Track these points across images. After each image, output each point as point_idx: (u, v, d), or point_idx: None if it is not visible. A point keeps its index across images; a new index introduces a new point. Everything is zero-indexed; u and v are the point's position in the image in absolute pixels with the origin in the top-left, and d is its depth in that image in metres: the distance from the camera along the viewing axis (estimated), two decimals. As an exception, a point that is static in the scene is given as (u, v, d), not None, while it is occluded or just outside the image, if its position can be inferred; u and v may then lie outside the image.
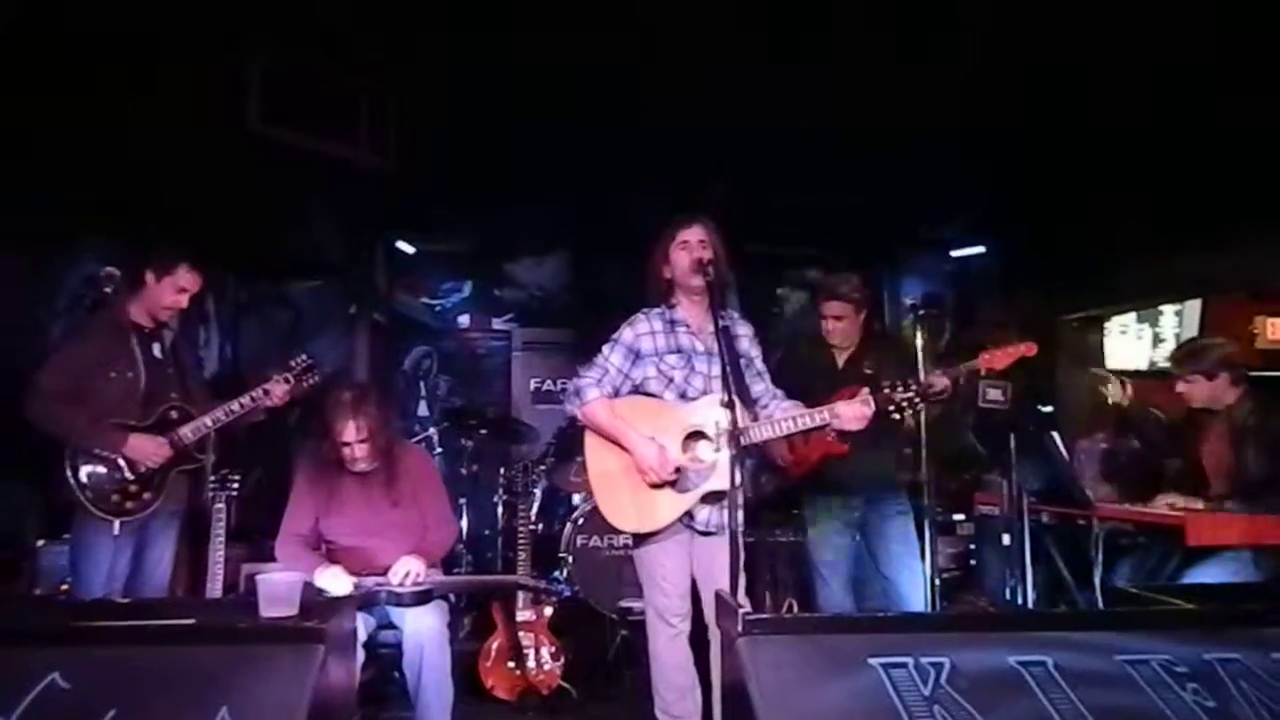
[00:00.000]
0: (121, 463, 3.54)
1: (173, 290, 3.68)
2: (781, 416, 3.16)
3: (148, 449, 3.56)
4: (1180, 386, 3.99)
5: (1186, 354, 4.07)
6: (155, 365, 3.71)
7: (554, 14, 3.78)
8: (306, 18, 3.85)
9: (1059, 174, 5.10)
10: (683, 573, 3.17)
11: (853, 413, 3.07)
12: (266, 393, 3.73)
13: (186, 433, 3.66)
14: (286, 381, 3.76)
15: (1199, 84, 4.00)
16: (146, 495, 3.59)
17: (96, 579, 3.49)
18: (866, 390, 3.19)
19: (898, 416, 3.16)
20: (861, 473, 3.89)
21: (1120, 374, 6.76)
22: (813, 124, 4.57)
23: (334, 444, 3.48)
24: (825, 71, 4.13)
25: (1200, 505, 3.74)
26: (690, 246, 3.19)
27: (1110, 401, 4.77)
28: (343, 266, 6.64)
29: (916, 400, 3.10)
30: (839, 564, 4.04)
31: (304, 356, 3.87)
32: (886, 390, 3.09)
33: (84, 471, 3.51)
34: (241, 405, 3.71)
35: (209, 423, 3.69)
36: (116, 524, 3.52)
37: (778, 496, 4.39)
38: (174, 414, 3.69)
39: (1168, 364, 4.18)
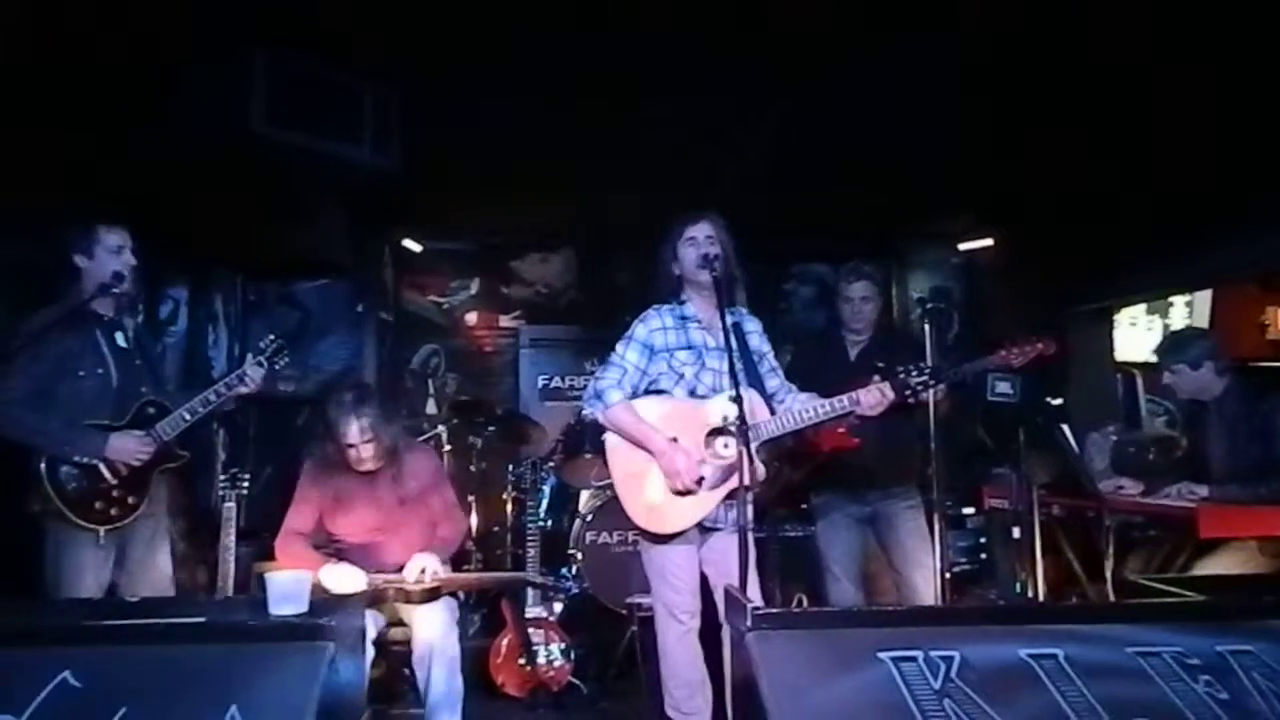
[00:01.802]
0: (102, 467, 3.29)
1: (108, 254, 3.41)
2: (800, 408, 3.15)
3: (130, 447, 3.31)
4: (1166, 378, 4.01)
5: (1170, 345, 4.08)
6: (123, 357, 3.48)
7: (558, 11, 3.77)
8: (310, 17, 3.84)
9: (1067, 165, 5.07)
10: (692, 569, 3.17)
11: (873, 399, 3.07)
12: (241, 378, 3.50)
13: (165, 428, 3.41)
14: (260, 365, 3.55)
15: (1208, 74, 3.97)
16: (130, 499, 3.36)
17: (81, 594, 3.23)
18: (878, 378, 3.19)
19: (913, 401, 3.16)
20: (872, 467, 3.88)
21: (1130, 366, 6.77)
22: (818, 117, 4.55)
23: (339, 445, 3.49)
24: (828, 64, 4.11)
25: (1204, 491, 3.73)
26: (698, 243, 3.19)
27: None
28: (350, 266, 6.65)
29: (930, 382, 3.11)
30: (849, 560, 4.04)
31: (271, 337, 3.67)
32: (901, 375, 3.10)
33: (61, 480, 3.25)
34: (217, 394, 3.46)
35: (186, 415, 3.42)
36: (101, 533, 3.28)
37: (787, 491, 4.39)
38: (151, 409, 3.44)
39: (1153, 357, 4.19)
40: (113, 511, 3.33)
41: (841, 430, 3.75)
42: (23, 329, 3.35)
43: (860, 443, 3.74)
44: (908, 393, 3.11)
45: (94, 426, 3.32)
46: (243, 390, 3.52)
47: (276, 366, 3.63)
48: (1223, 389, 3.88)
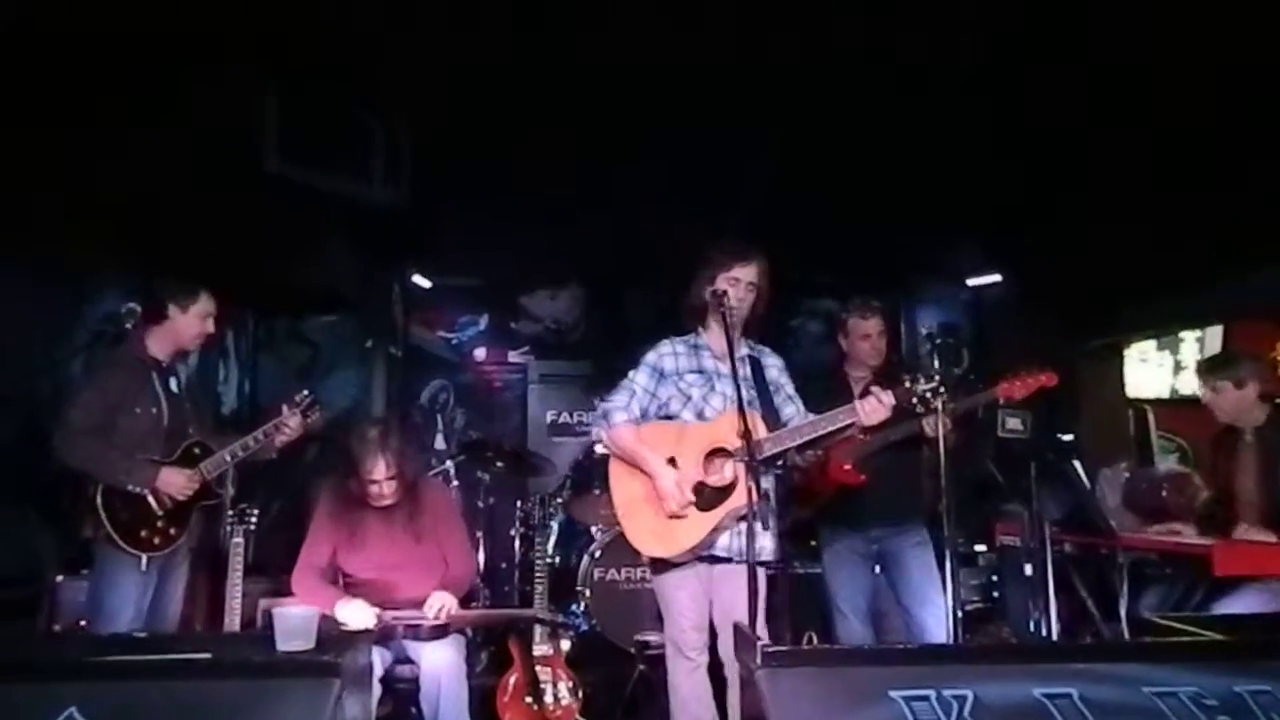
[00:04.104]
0: (151, 499, 3.55)
1: (200, 319, 3.76)
2: (800, 422, 3.13)
3: (179, 482, 3.59)
4: (1207, 396, 3.91)
5: (1217, 362, 4.01)
6: (174, 401, 3.75)
7: (566, 50, 3.82)
8: (323, 54, 3.90)
9: (1076, 200, 5.09)
10: (700, 605, 3.16)
11: (871, 406, 3.00)
12: (278, 427, 3.76)
13: (209, 466, 3.70)
14: (296, 414, 3.80)
15: (1215, 106, 3.99)
16: (173, 531, 3.64)
17: (124, 615, 3.48)
18: (878, 388, 3.14)
19: (921, 410, 3.08)
20: (879, 503, 3.85)
21: (1141, 402, 6.73)
22: (827, 151, 4.58)
23: (361, 481, 3.50)
24: (835, 96, 4.14)
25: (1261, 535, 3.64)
26: (739, 285, 3.18)
27: None
28: (359, 301, 6.69)
29: (939, 390, 3.02)
30: (857, 597, 3.99)
31: (305, 392, 3.91)
32: (907, 384, 3.03)
33: (114, 507, 3.51)
34: (256, 440, 3.74)
35: (228, 457, 3.72)
36: (144, 559, 3.54)
37: (795, 528, 4.36)
38: (196, 450, 3.73)
39: (1196, 378, 4.08)
40: (156, 540, 3.59)
41: (848, 467, 3.73)
42: (94, 364, 3.83)
43: (866, 480, 3.72)
44: (914, 401, 3.03)
45: (147, 460, 3.58)
46: (282, 438, 3.79)
47: (309, 419, 3.85)
48: (1264, 417, 3.79)
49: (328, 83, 4.15)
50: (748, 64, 3.90)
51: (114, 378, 3.65)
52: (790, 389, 3.34)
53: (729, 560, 3.09)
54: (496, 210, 5.45)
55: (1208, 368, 4.00)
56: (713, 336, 3.29)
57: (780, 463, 3.23)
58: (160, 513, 3.58)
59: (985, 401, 3.64)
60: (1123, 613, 3.75)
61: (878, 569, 4.01)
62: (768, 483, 3.13)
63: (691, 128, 4.43)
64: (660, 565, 3.17)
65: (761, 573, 3.03)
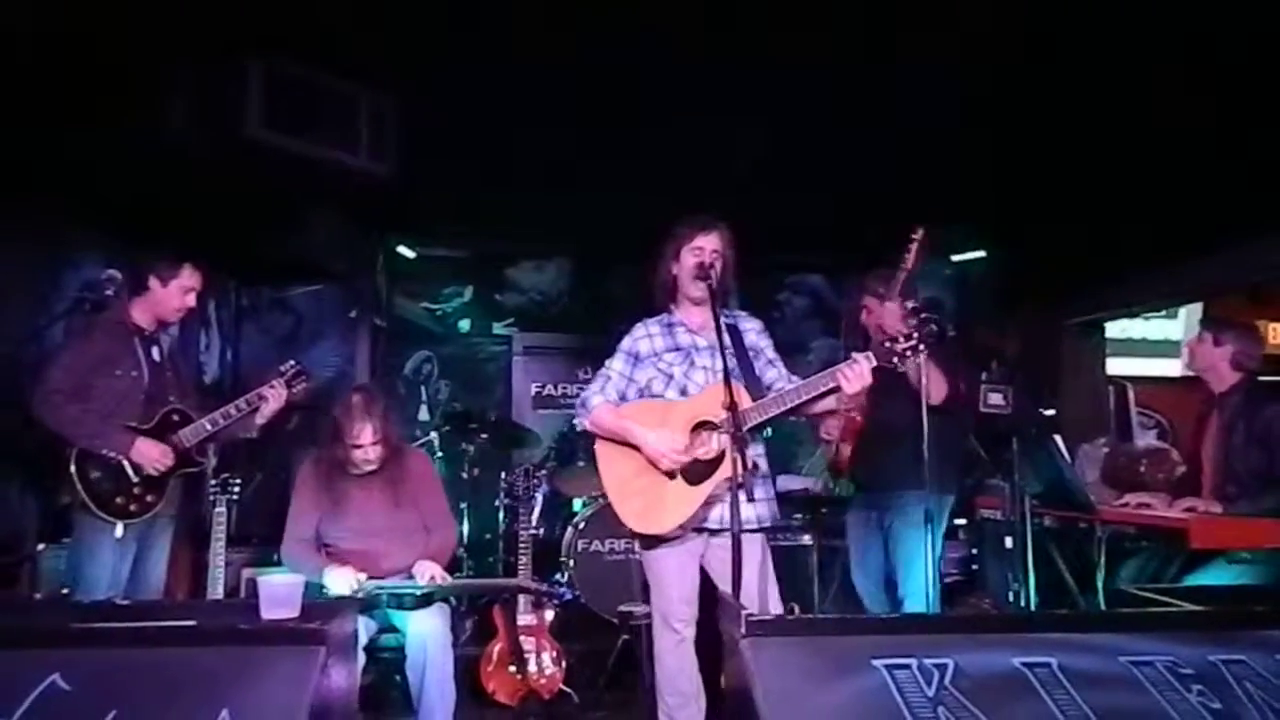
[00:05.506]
0: (126, 465, 3.53)
1: (180, 293, 3.72)
2: (783, 390, 3.09)
3: (153, 454, 3.57)
4: (1189, 341, 4.02)
5: (1212, 315, 4.11)
6: (156, 368, 3.73)
7: (555, 22, 3.79)
8: (307, 21, 3.85)
9: (1059, 178, 5.10)
10: (689, 578, 3.16)
11: (856, 370, 2.93)
12: (261, 396, 3.75)
13: (187, 434, 3.68)
14: (276, 386, 3.79)
15: (1198, 87, 4.01)
16: (149, 498, 3.61)
17: (101, 582, 3.48)
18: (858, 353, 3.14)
19: (902, 368, 3.07)
20: (889, 473, 3.85)
21: (1121, 379, 6.80)
22: (813, 127, 4.57)
23: (345, 446, 3.52)
24: (824, 74, 4.13)
25: (1218, 509, 3.66)
26: (702, 253, 3.18)
27: None
28: (343, 271, 6.64)
29: (916, 344, 2.95)
30: (870, 564, 4.04)
31: (292, 362, 3.90)
32: (886, 344, 2.99)
33: (89, 473, 3.49)
34: (238, 409, 3.73)
35: (208, 426, 3.70)
36: (120, 527, 3.52)
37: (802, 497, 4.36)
38: (175, 417, 3.70)
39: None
40: (132, 507, 3.57)
41: (859, 417, 3.76)
42: (75, 328, 3.78)
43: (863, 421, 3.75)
44: (894, 359, 2.96)
45: (124, 427, 3.55)
46: (270, 409, 3.77)
47: (294, 390, 3.84)
48: (1232, 384, 3.82)
49: (313, 50, 4.09)
50: (738, 45, 3.88)
51: (96, 340, 3.63)
52: (771, 352, 3.32)
53: (724, 532, 3.09)
54: (482, 180, 5.41)
55: (1203, 317, 4.08)
56: (686, 312, 3.28)
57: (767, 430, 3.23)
58: (136, 479, 3.56)
59: (902, 278, 3.83)
60: (1100, 585, 3.80)
61: (885, 536, 4.04)
62: (757, 451, 3.13)
63: (683, 106, 4.40)
64: (650, 540, 3.16)
65: (760, 539, 3.08)
